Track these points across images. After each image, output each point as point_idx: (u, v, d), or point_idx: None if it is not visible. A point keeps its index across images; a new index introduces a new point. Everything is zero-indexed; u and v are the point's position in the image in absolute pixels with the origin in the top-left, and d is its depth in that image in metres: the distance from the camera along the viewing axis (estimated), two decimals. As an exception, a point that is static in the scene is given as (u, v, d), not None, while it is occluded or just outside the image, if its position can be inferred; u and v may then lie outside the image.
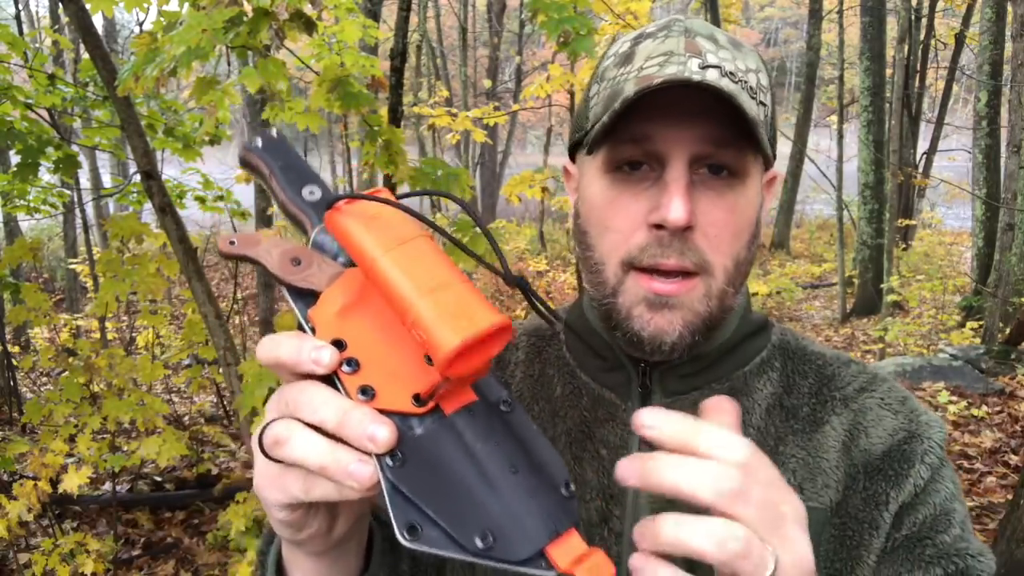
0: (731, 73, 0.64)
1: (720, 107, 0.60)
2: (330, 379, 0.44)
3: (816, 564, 0.47)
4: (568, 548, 0.42)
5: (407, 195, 0.54)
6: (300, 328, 0.47)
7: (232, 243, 0.48)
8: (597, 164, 0.68)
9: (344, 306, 0.46)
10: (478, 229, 2.97)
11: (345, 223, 0.46)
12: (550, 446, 0.46)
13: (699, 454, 0.45)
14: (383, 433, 0.41)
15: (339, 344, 0.44)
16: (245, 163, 0.54)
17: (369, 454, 0.42)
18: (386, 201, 0.47)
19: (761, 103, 0.66)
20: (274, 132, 0.54)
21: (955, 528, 0.67)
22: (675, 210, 0.61)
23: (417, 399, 0.43)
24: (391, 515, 0.41)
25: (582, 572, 0.42)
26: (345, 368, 0.44)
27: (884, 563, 0.67)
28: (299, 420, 0.43)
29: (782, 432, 0.72)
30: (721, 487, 0.44)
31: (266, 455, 0.44)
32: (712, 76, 0.63)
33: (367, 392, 0.43)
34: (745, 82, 0.64)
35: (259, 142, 0.53)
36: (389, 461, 0.42)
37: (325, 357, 0.43)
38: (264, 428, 0.44)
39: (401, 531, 0.41)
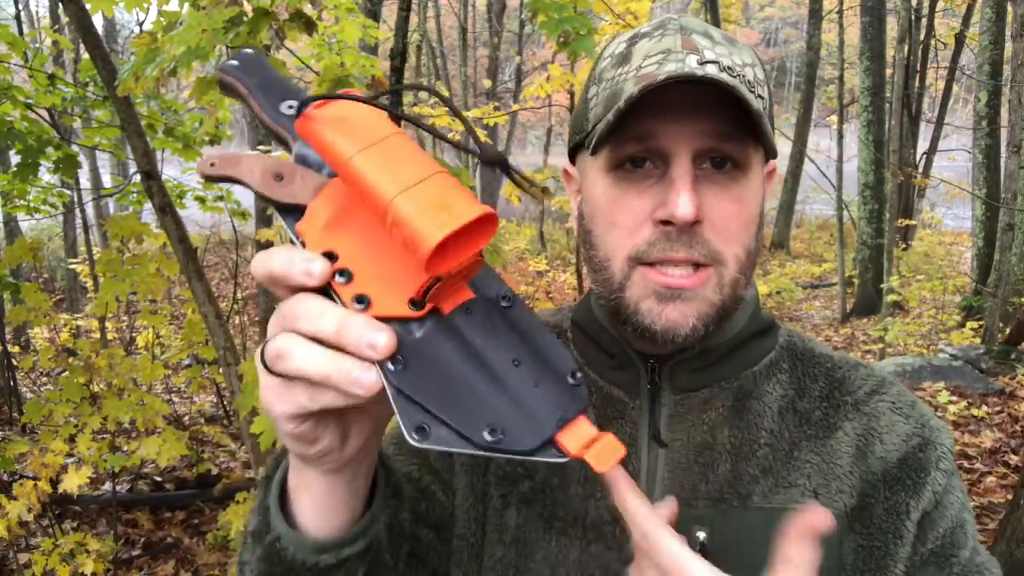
0: (729, 68, 0.64)
1: (722, 101, 0.61)
2: (325, 291, 0.44)
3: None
4: (578, 434, 0.42)
5: (378, 94, 0.53)
6: (292, 244, 0.46)
7: (213, 164, 0.47)
8: (600, 163, 0.68)
9: (331, 217, 0.45)
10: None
11: (316, 128, 0.45)
12: (554, 339, 0.46)
13: None
14: (382, 339, 0.41)
15: (330, 256, 0.44)
16: (223, 85, 0.53)
17: (371, 361, 0.42)
18: (355, 98, 0.45)
19: (759, 96, 0.66)
20: (250, 50, 0.53)
21: (970, 540, 0.70)
22: (683, 205, 0.61)
23: (413, 302, 0.43)
24: (399, 418, 0.42)
25: (592, 456, 0.42)
26: (338, 279, 0.43)
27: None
28: (298, 333, 0.43)
29: (796, 437, 0.72)
30: None
31: (268, 370, 0.44)
32: (712, 71, 0.63)
33: (362, 300, 0.43)
34: (743, 76, 0.65)
35: (235, 61, 0.52)
36: (391, 366, 0.42)
37: (316, 268, 0.43)
38: (264, 344, 0.44)
39: (409, 433, 0.41)
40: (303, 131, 0.46)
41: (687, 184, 0.62)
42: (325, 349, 0.42)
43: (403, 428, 0.41)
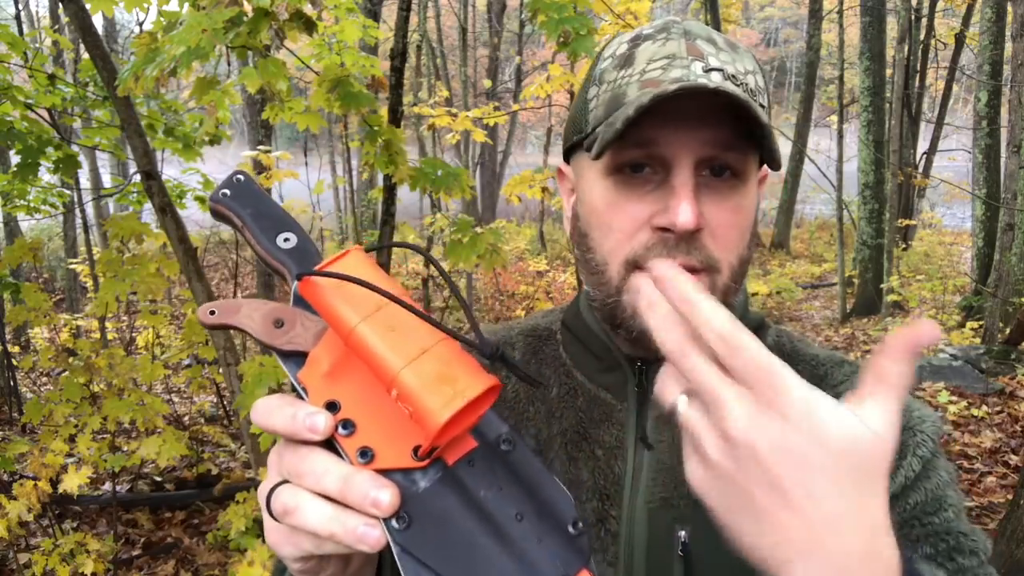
0: (733, 76, 0.65)
1: (725, 111, 0.61)
2: (329, 443, 0.44)
3: None
4: None
5: (375, 248, 0.54)
6: (294, 390, 0.46)
7: (212, 313, 0.47)
8: (598, 166, 0.68)
9: (332, 365, 0.45)
10: (478, 230, 2.97)
11: (318, 293, 0.45)
12: (555, 482, 0.46)
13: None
14: (386, 498, 0.41)
15: (332, 406, 0.44)
16: (216, 214, 0.53)
17: (375, 518, 0.42)
18: (345, 277, 0.45)
19: (761, 105, 0.67)
20: (240, 176, 0.52)
21: (947, 511, 0.68)
22: (684, 214, 0.62)
23: (416, 453, 0.43)
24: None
25: None
26: (341, 431, 0.43)
27: None
28: (302, 487, 0.44)
29: None
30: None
31: (276, 519, 0.45)
32: (716, 79, 0.63)
33: (366, 454, 0.43)
34: (746, 84, 0.65)
35: (226, 192, 0.52)
36: (395, 523, 0.42)
37: (320, 423, 0.43)
38: (271, 492, 0.45)
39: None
40: (306, 294, 0.46)
41: (688, 193, 0.63)
42: (331, 506, 0.43)
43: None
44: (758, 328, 0.78)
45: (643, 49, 0.67)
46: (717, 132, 0.63)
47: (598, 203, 0.68)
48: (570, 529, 0.44)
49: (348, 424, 0.43)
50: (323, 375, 0.45)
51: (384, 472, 0.43)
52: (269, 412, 0.45)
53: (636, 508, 0.70)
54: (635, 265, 0.66)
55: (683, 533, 0.68)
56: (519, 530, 0.43)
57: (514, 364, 0.46)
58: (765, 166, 0.72)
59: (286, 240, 0.49)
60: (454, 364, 0.41)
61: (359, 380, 0.44)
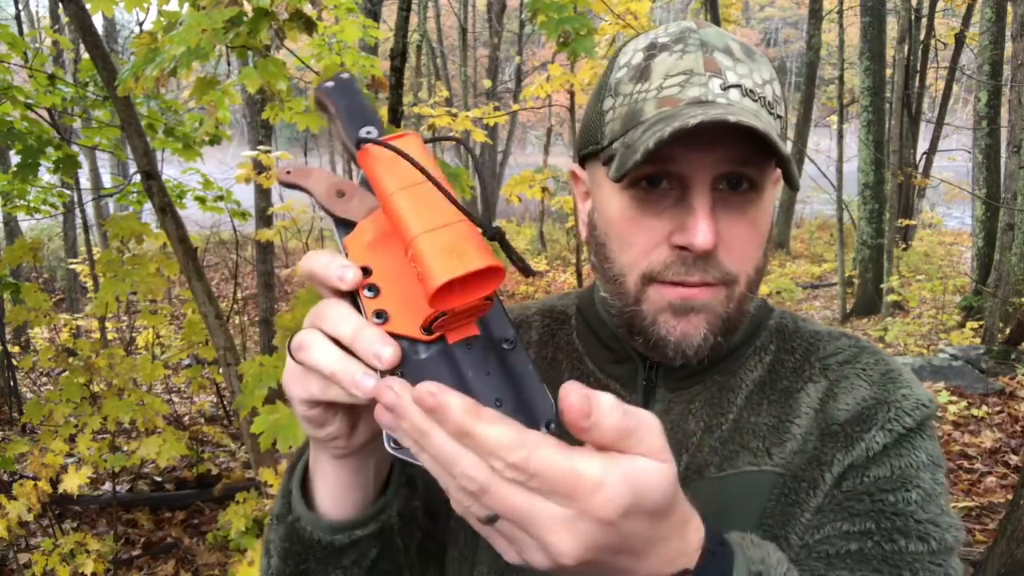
0: (751, 91, 0.65)
1: (744, 130, 0.61)
2: (355, 301, 0.50)
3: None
4: None
5: (433, 139, 0.59)
6: (339, 252, 0.53)
7: (288, 172, 0.54)
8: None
9: (375, 237, 0.51)
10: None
11: (370, 163, 0.51)
12: (542, 387, 0.49)
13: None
14: (387, 352, 0.46)
15: (366, 270, 0.50)
16: (318, 102, 0.59)
17: (375, 369, 0.47)
18: (397, 151, 0.50)
19: (778, 116, 0.67)
20: (345, 75, 0.59)
21: (910, 492, 0.66)
22: (702, 235, 0.62)
23: (425, 327, 0.48)
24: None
25: None
26: (367, 292, 0.49)
27: (816, 516, 0.67)
28: (321, 331, 0.49)
29: (758, 406, 0.73)
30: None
31: (292, 357, 0.51)
32: (734, 96, 0.64)
33: (381, 315, 0.49)
34: (764, 97, 0.65)
35: (331, 83, 0.58)
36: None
37: (348, 275, 0.49)
38: (294, 334, 0.51)
39: (388, 442, 0.47)
40: (361, 161, 0.52)
41: (706, 213, 0.63)
42: (339, 350, 0.48)
43: (384, 436, 0.47)
44: (761, 320, 0.80)
45: (659, 61, 0.66)
46: (734, 150, 0.63)
47: (616, 216, 0.69)
48: (542, 429, 0.46)
49: (373, 288, 0.50)
50: (366, 244, 0.51)
51: (393, 336, 0.48)
52: (315, 256, 0.51)
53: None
54: (652, 279, 0.67)
55: None
56: (489, 397, 0.47)
57: (510, 248, 0.50)
58: (779, 170, 0.72)
59: (368, 132, 0.54)
60: (467, 242, 0.45)
61: (394, 255, 0.50)
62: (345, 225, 0.53)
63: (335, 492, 0.61)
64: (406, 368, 0.47)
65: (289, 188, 0.55)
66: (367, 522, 0.62)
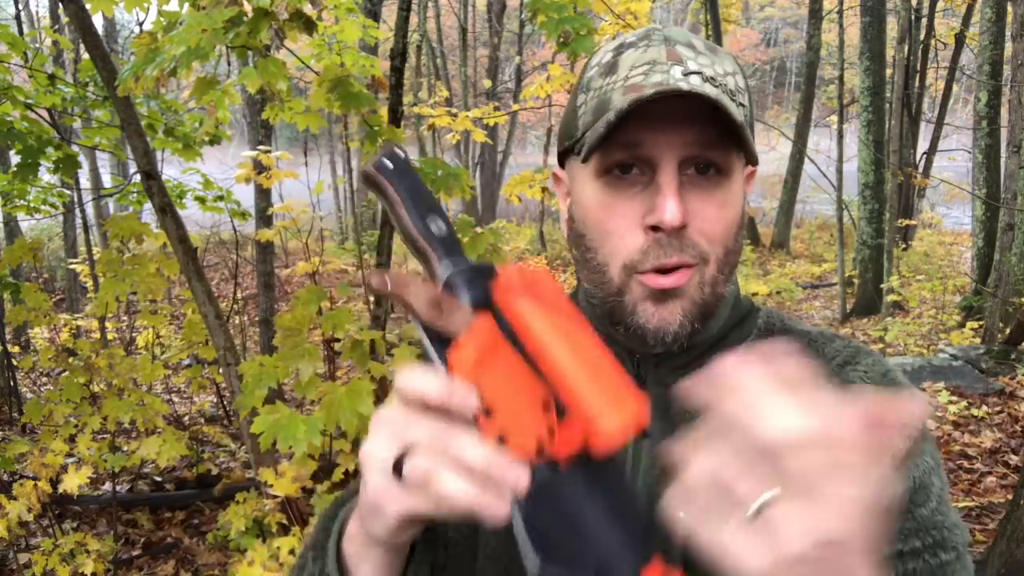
0: (711, 78, 0.68)
1: (705, 111, 0.64)
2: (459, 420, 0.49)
3: None
4: (656, 571, 0.48)
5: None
6: (426, 362, 0.51)
7: (387, 283, 0.51)
8: (589, 169, 0.71)
9: (480, 355, 0.49)
10: (478, 230, 2.97)
11: (516, 305, 0.49)
12: (628, 480, 0.51)
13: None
14: (525, 480, 0.46)
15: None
16: (370, 181, 0.55)
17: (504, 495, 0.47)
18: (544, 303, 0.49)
19: (740, 104, 0.70)
20: (401, 152, 0.55)
21: (932, 501, 0.69)
22: (670, 211, 0.65)
23: (539, 447, 0.48)
24: (527, 548, 0.48)
25: None
26: (483, 415, 0.48)
27: None
28: (444, 455, 0.47)
29: None
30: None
31: (398, 477, 0.49)
32: (695, 82, 0.67)
33: (501, 440, 0.47)
34: (725, 85, 0.69)
35: (389, 163, 0.54)
36: (522, 500, 0.47)
37: (472, 403, 0.47)
38: (401, 457, 0.49)
39: (533, 566, 0.47)
40: (501, 301, 0.50)
41: (673, 190, 0.66)
42: (468, 479, 0.47)
43: (530, 557, 0.47)
44: (748, 315, 0.81)
45: (626, 56, 0.70)
46: (699, 132, 0.66)
47: (591, 204, 0.71)
48: (644, 527, 0.50)
49: (487, 410, 0.48)
50: (470, 363, 0.48)
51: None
52: (425, 380, 0.48)
53: (637, 490, 0.72)
54: (634, 270, 0.69)
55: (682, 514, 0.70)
56: (613, 521, 0.49)
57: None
58: (753, 165, 0.75)
59: (438, 228, 0.52)
60: (618, 382, 0.46)
61: (498, 372, 0.49)
62: (440, 339, 0.50)
63: (377, 574, 0.60)
64: (534, 491, 0.47)
65: (386, 297, 0.53)
66: None
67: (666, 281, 0.68)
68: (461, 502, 0.46)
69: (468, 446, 0.47)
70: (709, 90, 0.65)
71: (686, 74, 0.67)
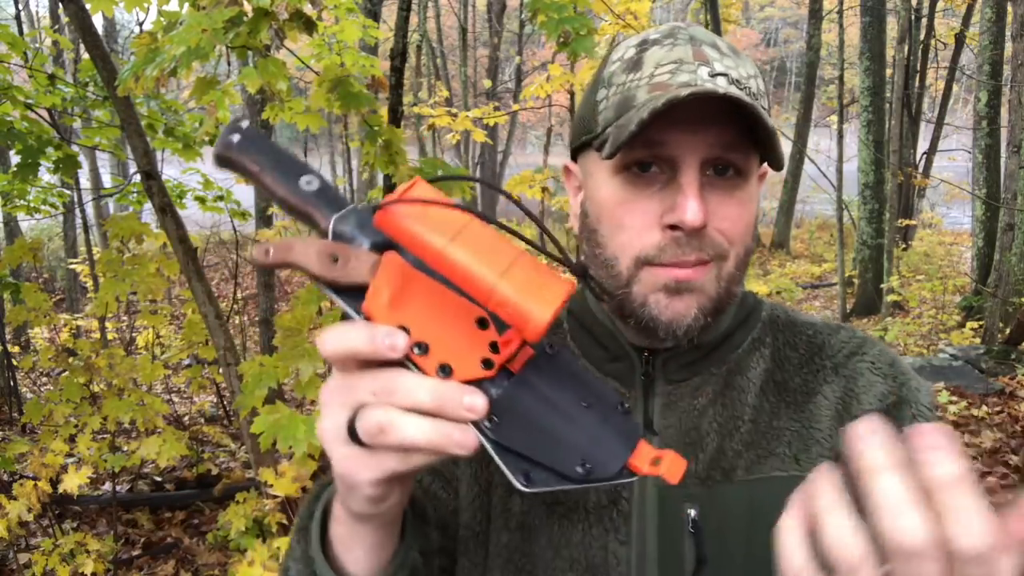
0: (736, 80, 0.68)
1: (729, 114, 0.64)
2: (398, 364, 0.46)
3: None
4: (644, 455, 0.48)
5: (438, 179, 0.54)
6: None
7: (267, 252, 0.47)
8: (607, 165, 0.70)
9: (393, 294, 0.47)
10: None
11: (400, 222, 0.47)
12: (595, 377, 0.50)
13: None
14: (480, 401, 0.44)
15: (403, 330, 0.46)
16: (225, 161, 0.52)
17: (468, 422, 0.45)
18: (433, 202, 0.47)
19: (763, 107, 0.70)
20: (245, 123, 0.53)
21: None
22: (692, 212, 0.65)
23: (486, 363, 0.46)
24: (504, 469, 0.46)
25: (663, 470, 0.48)
26: (416, 351, 0.46)
27: None
28: (394, 406, 0.45)
29: (776, 407, 0.75)
30: None
31: (358, 442, 0.46)
32: (722, 83, 0.67)
33: (445, 369, 0.46)
34: (748, 88, 0.69)
35: (236, 138, 0.52)
36: (487, 423, 0.46)
37: (400, 342, 0.45)
38: (353, 418, 0.46)
39: (519, 481, 0.46)
40: (384, 224, 0.47)
41: (695, 191, 0.66)
42: (427, 419, 0.45)
43: (511, 477, 0.46)
44: (752, 310, 0.81)
45: (651, 54, 0.70)
46: (721, 134, 0.66)
47: (608, 200, 0.71)
48: (620, 410, 0.50)
49: (421, 345, 0.46)
50: (386, 304, 0.46)
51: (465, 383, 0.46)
52: (345, 335, 0.46)
53: (646, 489, 0.73)
54: (647, 262, 0.69)
55: (692, 512, 0.71)
56: (588, 414, 0.49)
57: (591, 277, 0.52)
58: (765, 164, 0.75)
59: (308, 183, 0.50)
60: (540, 272, 0.45)
61: (420, 304, 0.47)
62: (350, 292, 0.47)
63: (369, 556, 0.59)
64: (493, 409, 0.46)
65: (275, 268, 0.49)
66: (396, 572, 0.60)
67: (683, 273, 0.68)
68: (424, 444, 0.44)
69: (412, 386, 0.45)
70: (735, 92, 0.65)
71: (712, 75, 0.67)
